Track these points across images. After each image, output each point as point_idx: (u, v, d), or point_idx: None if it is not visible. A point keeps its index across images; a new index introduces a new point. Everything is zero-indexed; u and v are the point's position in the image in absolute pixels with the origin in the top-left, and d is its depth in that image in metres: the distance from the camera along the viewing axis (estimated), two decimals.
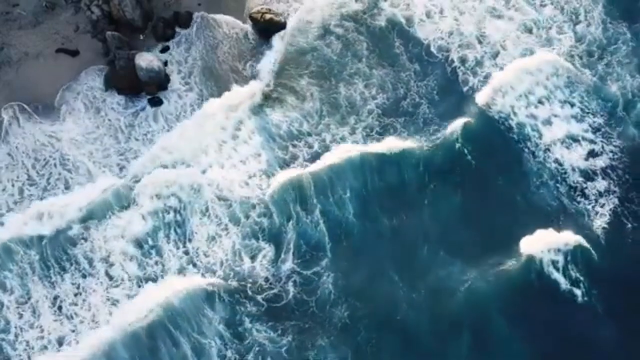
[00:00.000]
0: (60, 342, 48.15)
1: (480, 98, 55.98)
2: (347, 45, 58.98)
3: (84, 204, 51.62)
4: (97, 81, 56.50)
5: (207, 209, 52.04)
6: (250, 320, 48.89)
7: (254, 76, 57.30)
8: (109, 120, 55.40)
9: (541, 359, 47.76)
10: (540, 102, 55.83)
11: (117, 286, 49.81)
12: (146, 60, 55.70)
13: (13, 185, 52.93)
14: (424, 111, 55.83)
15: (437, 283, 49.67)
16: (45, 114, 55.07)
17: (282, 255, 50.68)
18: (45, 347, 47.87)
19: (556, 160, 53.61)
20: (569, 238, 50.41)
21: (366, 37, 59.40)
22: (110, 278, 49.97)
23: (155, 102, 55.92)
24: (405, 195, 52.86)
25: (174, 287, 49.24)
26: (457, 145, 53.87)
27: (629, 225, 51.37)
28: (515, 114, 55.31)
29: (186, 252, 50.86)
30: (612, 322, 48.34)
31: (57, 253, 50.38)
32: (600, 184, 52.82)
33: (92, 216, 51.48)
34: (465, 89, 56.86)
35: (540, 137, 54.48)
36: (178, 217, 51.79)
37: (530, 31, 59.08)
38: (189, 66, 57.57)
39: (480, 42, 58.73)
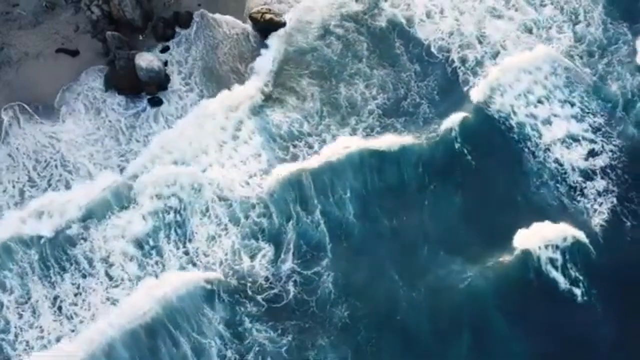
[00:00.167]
0: (59, 341, 48.13)
1: (477, 93, 56.08)
2: (347, 45, 59.00)
3: (83, 203, 51.60)
4: (97, 82, 56.45)
5: (207, 209, 52.00)
6: (250, 320, 48.83)
7: (254, 76, 57.22)
8: (110, 121, 55.33)
9: (540, 357, 47.72)
10: (539, 101, 55.84)
11: (117, 286, 49.72)
12: (146, 60, 55.69)
13: (14, 187, 52.86)
14: (424, 111, 55.82)
15: (437, 282, 49.56)
16: (45, 115, 54.99)
17: (282, 255, 50.68)
18: (45, 347, 47.80)
19: (556, 160, 53.54)
20: (568, 235, 50.33)
21: (366, 37, 59.42)
22: (110, 278, 49.91)
23: (156, 102, 55.90)
24: (404, 193, 52.90)
25: (173, 283, 49.24)
26: (457, 145, 53.89)
27: (628, 224, 51.36)
28: (515, 113, 55.30)
29: (186, 252, 50.77)
30: (609, 319, 48.29)
31: (56, 253, 50.31)
32: (600, 183, 52.79)
33: (92, 216, 51.43)
34: (465, 89, 56.78)
35: (540, 136, 54.41)
36: (178, 218, 51.75)
37: (530, 31, 59.10)
38: (189, 66, 57.55)
39: (480, 42, 58.74)
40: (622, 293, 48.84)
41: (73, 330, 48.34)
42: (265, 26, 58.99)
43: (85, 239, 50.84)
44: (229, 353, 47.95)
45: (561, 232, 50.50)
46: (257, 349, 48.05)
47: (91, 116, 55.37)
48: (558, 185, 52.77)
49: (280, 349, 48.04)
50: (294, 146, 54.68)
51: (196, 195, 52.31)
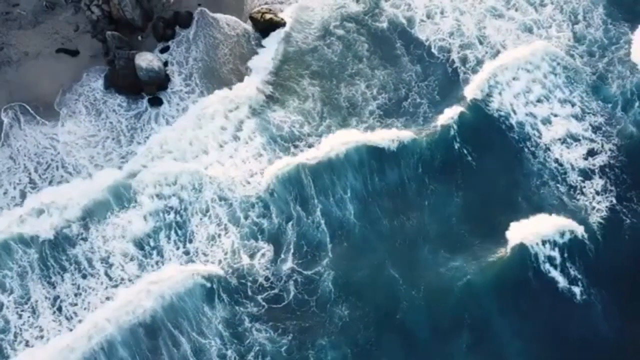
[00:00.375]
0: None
1: (473, 88, 56.21)
2: (348, 45, 59.06)
3: (83, 202, 51.57)
4: (98, 82, 56.49)
5: (207, 209, 51.91)
6: (250, 320, 48.84)
7: (254, 76, 57.22)
8: (111, 122, 55.34)
9: (539, 354, 47.85)
10: (539, 100, 55.90)
11: (116, 286, 49.64)
12: (146, 60, 55.71)
13: (15, 188, 52.75)
14: (424, 110, 55.90)
15: (437, 281, 49.66)
16: (46, 116, 55.02)
17: (282, 256, 50.73)
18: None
19: (556, 160, 53.72)
20: (566, 231, 50.45)
21: (367, 37, 59.49)
22: (110, 278, 49.84)
23: (155, 102, 55.86)
24: (403, 191, 53.03)
25: (172, 276, 49.35)
26: (456, 144, 54.02)
27: (628, 221, 51.42)
28: (514, 112, 55.37)
29: (187, 252, 50.75)
30: (606, 315, 48.62)
31: (56, 253, 50.28)
32: (599, 181, 52.81)
33: (92, 215, 51.42)
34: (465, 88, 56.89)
35: (540, 135, 54.52)
36: (178, 218, 51.68)
37: (530, 31, 59.13)
38: (189, 66, 57.57)
39: (481, 43, 58.79)
40: (619, 287, 49.13)
41: (72, 330, 48.36)
42: (266, 26, 59.02)
43: (85, 239, 50.83)
44: (229, 353, 47.89)
45: (560, 228, 50.62)
46: (257, 348, 47.99)
47: (92, 118, 55.35)
48: (558, 185, 52.84)
49: (280, 349, 48.00)
50: (295, 146, 54.67)
51: (197, 195, 52.24)
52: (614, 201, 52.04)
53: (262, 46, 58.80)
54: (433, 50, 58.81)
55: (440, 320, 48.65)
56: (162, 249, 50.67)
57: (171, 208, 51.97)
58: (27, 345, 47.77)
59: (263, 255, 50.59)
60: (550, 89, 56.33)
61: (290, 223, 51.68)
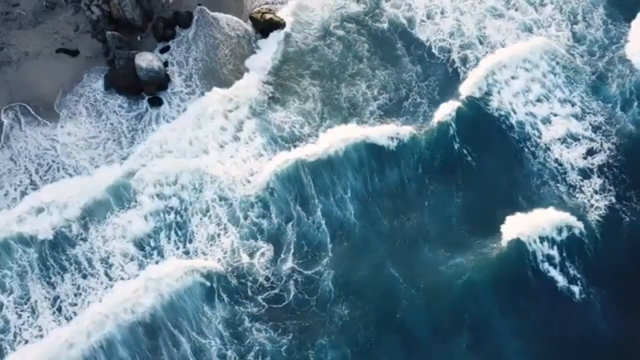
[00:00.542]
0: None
1: (469, 85, 56.29)
2: (348, 46, 59.07)
3: (83, 201, 51.53)
4: (98, 83, 56.47)
5: (207, 209, 51.88)
6: (250, 320, 48.76)
7: (254, 76, 57.17)
8: (112, 124, 55.28)
9: (538, 352, 47.84)
10: (539, 100, 55.91)
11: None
12: (146, 60, 55.69)
13: (16, 190, 52.65)
14: (425, 110, 55.79)
15: (437, 279, 49.55)
16: (46, 116, 54.94)
17: (282, 255, 50.71)
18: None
19: (556, 160, 53.66)
20: (565, 229, 50.40)
21: (368, 38, 59.52)
22: (110, 278, 49.79)
23: (155, 102, 55.84)
24: (403, 190, 53.02)
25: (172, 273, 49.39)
26: (457, 145, 54.04)
27: (627, 219, 51.37)
28: (514, 111, 55.33)
29: (186, 252, 50.70)
30: (605, 313, 48.54)
31: (56, 253, 50.25)
32: (598, 180, 52.74)
33: (92, 215, 51.41)
34: None
35: (540, 134, 54.51)
36: (179, 218, 51.64)
37: (530, 30, 59.14)
38: (189, 66, 57.54)
39: (481, 43, 58.80)
40: (617, 285, 49.15)
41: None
42: (266, 26, 59.02)
43: (85, 239, 50.78)
44: (229, 353, 47.81)
45: (559, 225, 50.55)
46: (257, 348, 47.92)
47: (92, 119, 55.28)
48: (558, 184, 52.78)
49: (280, 349, 47.93)
50: (295, 147, 54.61)
51: (197, 195, 52.22)
52: (613, 200, 52.01)
53: (262, 46, 58.78)
54: (433, 50, 58.82)
55: (440, 319, 48.55)
56: (162, 249, 50.60)
57: (171, 208, 51.92)
58: (26, 344, 47.75)
59: (263, 254, 50.54)
60: (550, 89, 56.28)
61: (290, 223, 51.63)
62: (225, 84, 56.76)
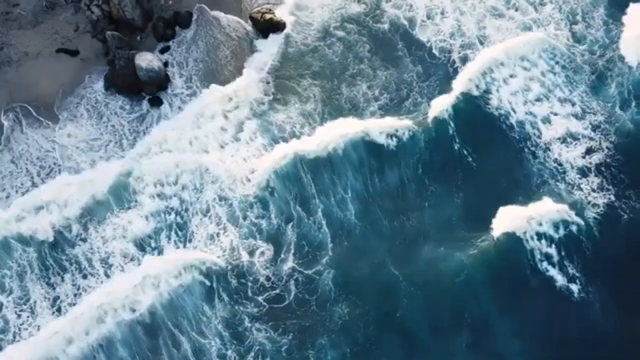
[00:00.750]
0: None
1: (463, 81, 56.30)
2: (349, 46, 59.08)
3: (84, 199, 51.52)
4: (99, 84, 56.46)
5: (208, 209, 51.83)
6: (250, 320, 48.74)
7: (254, 76, 57.13)
8: (113, 126, 55.24)
9: (538, 350, 47.84)
10: (538, 99, 55.87)
11: None
12: (146, 60, 55.69)
13: (17, 192, 52.55)
14: (425, 110, 55.68)
15: (436, 278, 49.53)
16: (47, 117, 54.91)
17: (282, 255, 50.67)
18: None
19: (556, 160, 53.63)
20: (562, 227, 50.45)
21: (368, 38, 59.52)
22: (110, 278, 49.71)
23: (156, 102, 55.82)
24: (403, 189, 53.00)
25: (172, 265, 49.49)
26: (456, 145, 54.02)
27: (625, 217, 51.33)
28: (514, 111, 55.29)
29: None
30: (604, 311, 48.56)
31: (55, 252, 50.24)
32: (596, 179, 52.72)
33: (92, 215, 51.40)
34: None
35: (540, 133, 54.48)
36: (179, 218, 51.60)
37: (530, 30, 59.10)
38: (189, 66, 57.53)
39: (481, 43, 58.78)
40: (616, 283, 49.21)
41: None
42: (266, 26, 59.01)
43: (84, 240, 50.74)
44: (229, 353, 47.78)
45: (558, 222, 50.54)
46: (257, 348, 47.89)
47: (93, 121, 55.25)
48: (558, 183, 52.74)
49: (280, 349, 47.92)
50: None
51: (197, 195, 52.18)
52: (612, 198, 51.91)
53: (262, 46, 58.72)
54: (434, 50, 58.81)
55: (440, 318, 48.55)
56: (162, 249, 50.55)
57: (172, 208, 51.90)
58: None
59: (262, 253, 50.53)
60: (549, 88, 56.24)
61: (290, 222, 51.62)
62: (226, 83, 56.71)
